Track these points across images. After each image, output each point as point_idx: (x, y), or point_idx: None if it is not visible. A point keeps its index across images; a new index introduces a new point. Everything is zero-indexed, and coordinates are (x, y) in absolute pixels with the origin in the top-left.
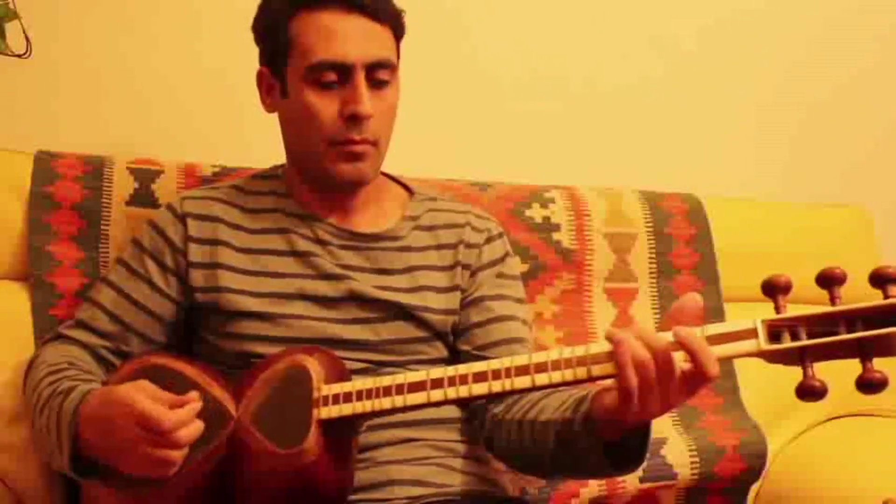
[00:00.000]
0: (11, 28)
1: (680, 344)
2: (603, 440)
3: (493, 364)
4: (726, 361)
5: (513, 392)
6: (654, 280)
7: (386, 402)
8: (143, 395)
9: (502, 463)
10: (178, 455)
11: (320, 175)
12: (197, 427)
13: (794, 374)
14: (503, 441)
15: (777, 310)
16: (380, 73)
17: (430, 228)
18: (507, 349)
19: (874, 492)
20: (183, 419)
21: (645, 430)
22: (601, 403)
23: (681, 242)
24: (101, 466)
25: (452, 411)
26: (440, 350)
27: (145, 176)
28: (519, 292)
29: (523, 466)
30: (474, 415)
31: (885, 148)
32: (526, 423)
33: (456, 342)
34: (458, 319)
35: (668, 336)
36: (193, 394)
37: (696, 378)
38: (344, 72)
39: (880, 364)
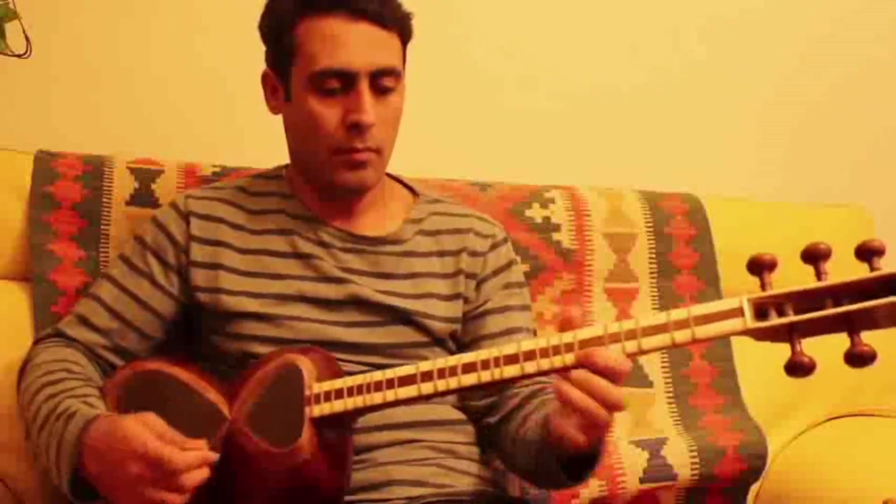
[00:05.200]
0: (11, 28)
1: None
2: (562, 459)
3: (482, 354)
4: (727, 361)
5: (503, 381)
6: (654, 280)
7: (377, 397)
8: (153, 434)
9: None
10: (178, 500)
11: (322, 181)
12: (204, 473)
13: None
14: (503, 453)
15: (763, 287)
16: (384, 80)
17: (433, 234)
18: None
19: (874, 492)
20: (192, 463)
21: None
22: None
23: (681, 242)
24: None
25: (453, 413)
26: (440, 355)
27: (145, 176)
28: (524, 299)
29: (522, 477)
30: (482, 435)
31: (885, 148)
32: (519, 440)
33: (463, 353)
34: (462, 329)
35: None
36: (203, 442)
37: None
38: (347, 79)
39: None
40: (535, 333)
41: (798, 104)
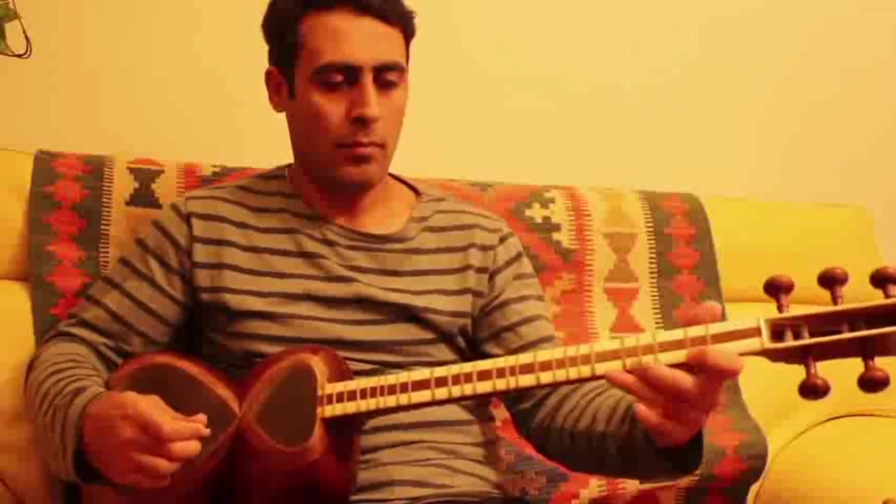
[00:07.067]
0: (11, 28)
1: (693, 361)
2: (663, 451)
3: (498, 362)
4: None
5: (518, 390)
6: (654, 280)
7: (390, 401)
8: (148, 403)
9: (549, 463)
10: (167, 466)
11: (327, 176)
12: (194, 447)
13: (794, 374)
14: (556, 448)
15: (780, 309)
16: (388, 75)
17: (438, 230)
18: (541, 348)
19: (874, 492)
20: (184, 433)
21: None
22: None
23: (681, 242)
24: (100, 472)
25: (455, 413)
26: (446, 353)
27: (145, 176)
28: (538, 289)
29: (580, 469)
30: (519, 422)
31: (885, 148)
32: (580, 435)
33: (485, 346)
34: (481, 324)
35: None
36: (201, 416)
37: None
38: (351, 73)
39: (881, 364)
40: (552, 322)
41: (798, 104)
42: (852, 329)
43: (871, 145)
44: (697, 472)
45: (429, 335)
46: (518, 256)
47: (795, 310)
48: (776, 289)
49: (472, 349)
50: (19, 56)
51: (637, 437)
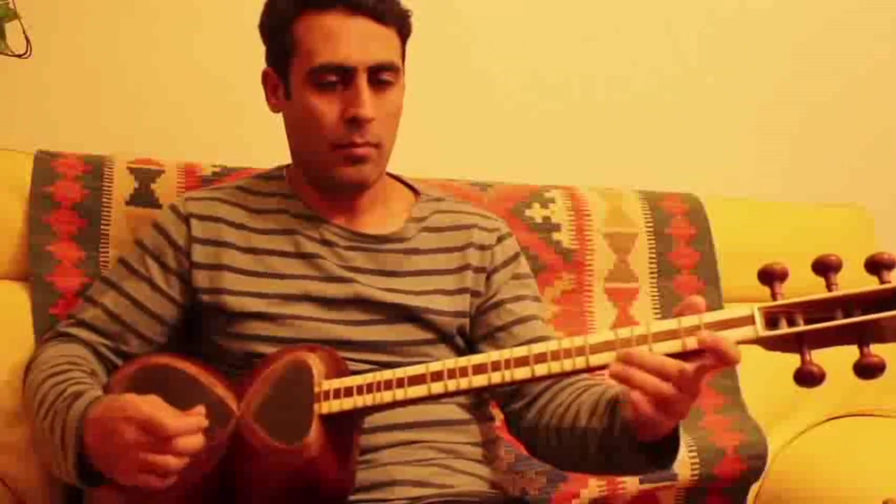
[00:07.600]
0: (11, 28)
1: (705, 346)
2: (640, 444)
3: (493, 356)
4: None
5: (513, 383)
6: (654, 280)
7: (387, 396)
8: (149, 403)
9: (546, 464)
10: (175, 463)
11: (323, 177)
12: (198, 440)
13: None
14: (544, 447)
15: (773, 297)
16: (383, 75)
17: (437, 230)
18: None
19: (874, 492)
20: (186, 428)
21: (676, 426)
22: (633, 411)
23: (681, 242)
24: (102, 474)
25: (454, 413)
26: (445, 353)
27: (145, 176)
28: (535, 290)
29: (566, 468)
30: (511, 422)
31: (885, 148)
32: (564, 432)
33: (480, 345)
34: (476, 323)
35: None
36: (200, 408)
37: (717, 367)
38: (346, 74)
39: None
40: (548, 323)
41: (798, 104)
42: (847, 316)
43: (871, 145)
44: (672, 469)
45: (428, 335)
46: (515, 256)
47: None
48: (770, 277)
49: (470, 349)
50: (19, 56)
51: (615, 430)
